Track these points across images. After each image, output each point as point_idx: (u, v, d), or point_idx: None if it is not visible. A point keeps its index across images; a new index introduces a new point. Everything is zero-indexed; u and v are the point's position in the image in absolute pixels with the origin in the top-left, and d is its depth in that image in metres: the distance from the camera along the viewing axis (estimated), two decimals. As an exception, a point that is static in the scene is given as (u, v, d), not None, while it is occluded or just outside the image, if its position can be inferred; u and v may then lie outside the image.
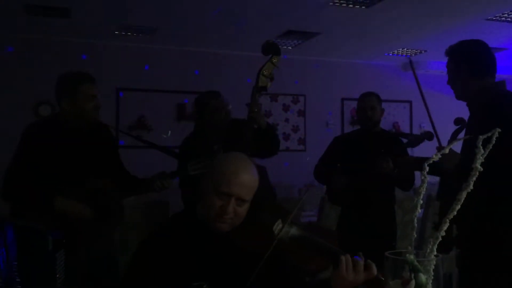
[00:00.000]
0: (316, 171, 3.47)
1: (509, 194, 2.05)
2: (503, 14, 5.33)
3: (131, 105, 6.51)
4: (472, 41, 2.32)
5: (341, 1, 4.90)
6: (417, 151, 3.40)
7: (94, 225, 2.37)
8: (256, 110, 2.49)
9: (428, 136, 3.12)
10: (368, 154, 3.13)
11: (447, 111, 2.55)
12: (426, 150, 2.50)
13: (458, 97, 2.32)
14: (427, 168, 1.03)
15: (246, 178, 1.47)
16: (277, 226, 1.37)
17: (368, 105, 3.23)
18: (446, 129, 2.54)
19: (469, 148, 1.51)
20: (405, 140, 3.22)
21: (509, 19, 5.50)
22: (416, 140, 3.11)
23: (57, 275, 2.28)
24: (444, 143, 2.24)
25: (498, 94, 2.19)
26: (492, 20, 5.51)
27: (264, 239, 1.35)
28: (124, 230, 3.51)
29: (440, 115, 2.59)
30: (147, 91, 6.55)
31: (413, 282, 0.94)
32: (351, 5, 5.02)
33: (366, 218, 3.05)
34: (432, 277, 0.95)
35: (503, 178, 1.97)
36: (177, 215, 1.63)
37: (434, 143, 2.52)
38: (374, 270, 1.32)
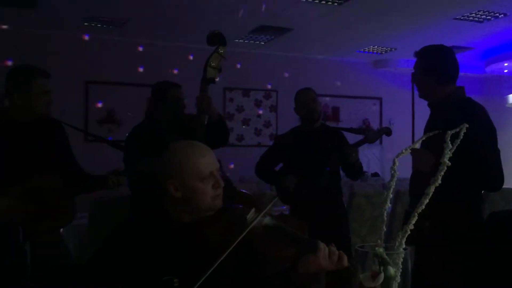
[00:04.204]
0: (259, 169, 3.47)
1: (462, 191, 2.15)
2: (470, 14, 5.46)
3: (101, 98, 6.40)
4: (441, 48, 2.41)
5: (314, -2, 4.93)
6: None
7: (41, 222, 2.31)
8: (206, 102, 2.47)
9: (386, 131, 3.16)
10: (313, 150, 3.16)
11: (416, 108, 2.59)
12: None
13: (422, 96, 2.41)
14: (397, 163, 1.05)
15: (210, 152, 1.54)
16: (251, 214, 1.38)
17: (310, 97, 3.24)
18: (416, 125, 2.57)
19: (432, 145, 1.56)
20: (361, 136, 3.21)
21: (477, 19, 5.64)
22: (373, 135, 3.14)
23: (28, 269, 2.24)
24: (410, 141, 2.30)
25: (460, 99, 2.31)
26: (460, 19, 5.64)
27: (237, 228, 1.35)
28: (91, 226, 3.46)
29: (409, 112, 2.63)
30: (117, 84, 6.44)
31: (382, 275, 0.95)
32: (323, 2, 5.05)
33: (317, 214, 3.03)
34: (401, 270, 0.97)
35: (457, 175, 2.02)
36: (145, 209, 1.61)
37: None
38: (345, 261, 1.35)
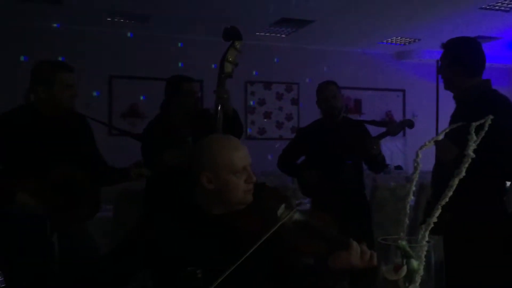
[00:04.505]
0: (281, 163, 3.47)
1: (484, 183, 2.13)
2: (497, 3, 5.33)
3: (124, 92, 6.47)
4: (469, 40, 2.43)
5: (336, -11, 4.88)
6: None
7: (67, 214, 2.36)
8: (225, 96, 2.49)
9: (408, 124, 3.13)
10: (334, 143, 3.14)
11: (440, 100, 2.57)
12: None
13: (448, 88, 2.41)
14: (421, 155, 1.04)
15: (244, 147, 1.56)
16: (281, 210, 1.40)
17: (330, 94, 3.20)
18: (439, 117, 2.55)
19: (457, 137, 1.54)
20: (383, 129, 3.18)
21: (503, 8, 5.50)
22: (396, 128, 3.11)
23: (56, 261, 2.30)
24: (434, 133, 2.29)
25: (486, 92, 2.32)
26: (486, 9, 5.51)
27: (267, 223, 1.37)
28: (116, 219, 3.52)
29: (433, 104, 2.60)
30: (140, 79, 6.50)
31: (405, 268, 0.95)
32: (345, -7, 5.00)
33: (339, 207, 3.01)
34: (424, 263, 0.96)
35: (480, 167, 2.00)
36: (173, 201, 1.64)
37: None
38: (376, 260, 1.35)
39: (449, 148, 2.09)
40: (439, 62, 2.44)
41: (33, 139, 2.39)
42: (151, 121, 3.12)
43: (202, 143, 1.57)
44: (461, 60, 2.32)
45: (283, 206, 1.41)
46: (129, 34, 6.52)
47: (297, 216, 1.41)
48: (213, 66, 6.20)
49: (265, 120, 7.26)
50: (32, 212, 2.26)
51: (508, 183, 2.41)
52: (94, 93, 6.37)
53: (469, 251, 2.15)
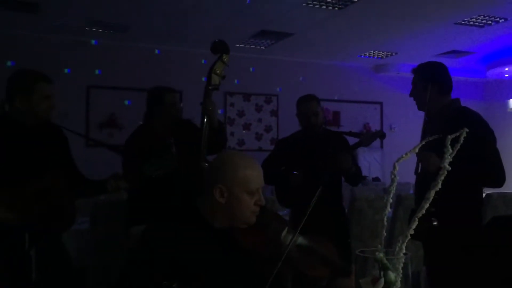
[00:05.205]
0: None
1: (464, 193, 2.26)
2: (471, 18, 5.47)
3: (102, 103, 6.40)
4: (436, 64, 2.61)
5: (315, 2, 4.94)
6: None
7: (43, 225, 2.31)
8: (211, 108, 2.50)
9: (380, 135, 3.17)
10: (314, 154, 3.15)
11: (417, 112, 2.63)
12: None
13: (421, 108, 2.57)
14: (398, 168, 1.05)
15: (261, 169, 1.58)
16: (284, 233, 1.40)
17: (311, 111, 3.20)
18: (416, 130, 2.60)
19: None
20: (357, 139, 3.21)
21: (477, 23, 5.64)
22: (368, 138, 3.15)
23: (33, 274, 2.24)
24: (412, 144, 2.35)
25: (458, 108, 2.50)
26: (461, 24, 5.65)
27: (268, 243, 1.37)
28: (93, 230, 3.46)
29: (410, 116, 2.65)
30: (118, 89, 6.45)
31: (382, 280, 0.95)
32: (324, 7, 5.06)
33: (317, 218, 2.99)
34: (401, 275, 0.96)
35: (460, 177, 2.05)
36: (175, 211, 1.61)
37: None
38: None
39: (433, 158, 2.16)
40: (412, 86, 2.56)
41: (7, 150, 2.33)
42: (134, 132, 3.08)
43: (222, 157, 1.59)
44: (432, 81, 2.47)
45: (286, 229, 1.42)
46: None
47: (300, 240, 1.42)
48: (191, 77, 6.23)
49: (244, 131, 7.26)
50: (7, 224, 2.21)
51: (483, 194, 2.48)
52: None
53: (447, 258, 2.20)
